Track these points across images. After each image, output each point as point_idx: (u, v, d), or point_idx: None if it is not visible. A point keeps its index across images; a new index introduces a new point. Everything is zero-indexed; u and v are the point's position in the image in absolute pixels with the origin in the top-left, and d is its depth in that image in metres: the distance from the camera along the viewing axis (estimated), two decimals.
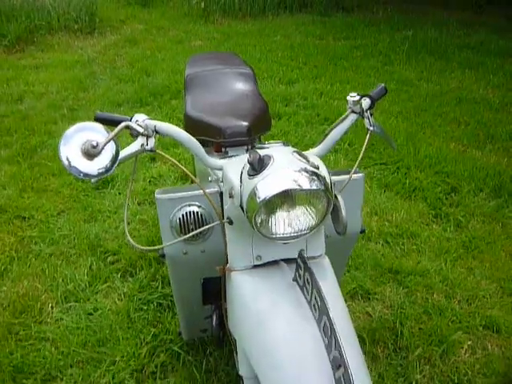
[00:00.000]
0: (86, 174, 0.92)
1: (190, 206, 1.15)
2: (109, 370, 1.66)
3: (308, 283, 0.87)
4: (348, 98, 1.12)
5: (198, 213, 1.15)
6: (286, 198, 0.89)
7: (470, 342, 1.80)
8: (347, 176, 1.23)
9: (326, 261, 1.06)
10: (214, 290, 1.37)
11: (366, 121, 1.11)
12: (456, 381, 1.65)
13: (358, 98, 1.10)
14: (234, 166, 1.02)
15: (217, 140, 1.55)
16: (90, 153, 0.90)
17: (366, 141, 1.07)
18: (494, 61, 4.90)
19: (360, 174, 1.24)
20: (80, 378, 1.64)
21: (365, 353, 1.73)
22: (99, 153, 0.91)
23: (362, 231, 1.30)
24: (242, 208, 0.93)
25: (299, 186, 0.85)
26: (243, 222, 1.00)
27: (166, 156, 1.01)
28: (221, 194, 1.17)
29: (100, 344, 1.75)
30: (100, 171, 0.92)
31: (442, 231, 2.41)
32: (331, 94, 4.08)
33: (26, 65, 4.93)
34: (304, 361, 0.81)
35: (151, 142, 1.00)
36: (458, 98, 4.01)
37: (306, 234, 0.94)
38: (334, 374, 0.77)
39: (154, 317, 1.88)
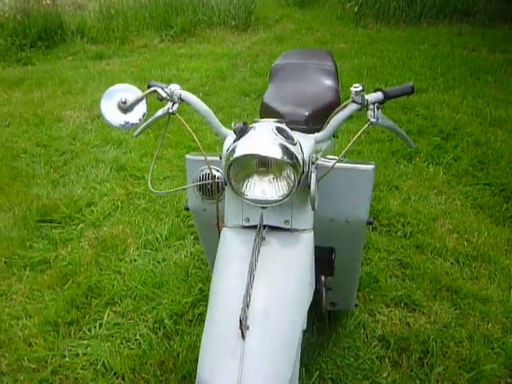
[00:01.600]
0: (112, 124, 1.18)
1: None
2: (156, 308, 1.94)
3: (256, 243, 1.00)
4: (351, 88, 1.17)
5: (215, 176, 1.33)
6: (260, 165, 1.02)
7: (509, 380, 1.65)
8: (357, 165, 1.28)
9: (308, 236, 1.14)
10: None
11: (370, 112, 1.15)
12: None
13: (360, 89, 1.15)
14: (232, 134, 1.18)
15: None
16: (122, 108, 1.15)
17: (361, 130, 1.11)
18: None
19: (371, 166, 1.28)
20: (132, 307, 1.95)
21: (386, 357, 1.72)
22: (129, 109, 1.15)
23: (369, 223, 1.32)
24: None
25: (260, 153, 0.98)
26: None
27: (182, 121, 1.20)
28: None
29: (156, 286, 2.05)
30: (131, 123, 1.17)
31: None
32: (458, 107, 3.84)
33: (182, 53, 5.61)
34: (228, 307, 0.94)
35: (175, 107, 1.20)
36: None
37: (278, 201, 1.05)
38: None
39: (207, 277, 2.11)
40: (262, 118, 1.95)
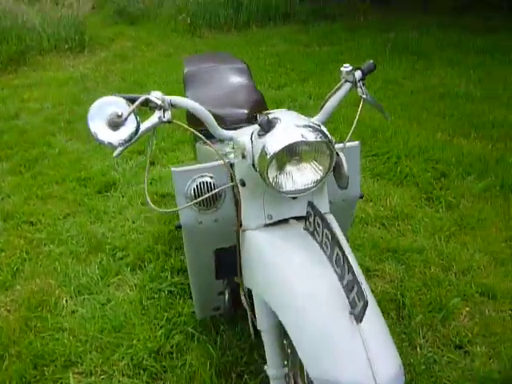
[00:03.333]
0: (111, 144, 1.02)
1: (202, 177, 1.25)
2: (127, 353, 1.72)
3: (318, 226, 0.97)
4: (341, 68, 1.24)
5: (210, 183, 1.25)
6: (293, 154, 1.00)
7: (468, 309, 1.90)
8: (344, 144, 1.34)
9: (331, 218, 1.16)
10: (227, 263, 1.46)
11: (359, 90, 1.22)
12: (457, 343, 1.74)
13: (350, 68, 1.22)
14: (243, 132, 1.13)
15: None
16: (115, 123, 1.00)
17: (360, 108, 1.18)
18: (473, 58, 5.09)
19: (356, 142, 1.35)
20: (100, 361, 1.70)
21: None
22: (124, 122, 1.01)
23: (361, 196, 1.40)
24: (254, 166, 1.03)
25: (305, 138, 0.96)
26: (255, 182, 1.10)
27: (183, 125, 1.10)
28: (231, 165, 1.27)
29: (116, 330, 1.82)
30: (125, 139, 1.02)
31: (434, 212, 2.52)
32: (320, 95, 4.22)
33: (19, 84, 5.02)
34: (319, 297, 0.91)
35: (168, 115, 1.10)
36: (442, 93, 4.17)
37: (313, 187, 1.05)
38: (349, 297, 0.86)
39: (167, 303, 1.95)
40: (194, 125, 1.89)
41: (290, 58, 5.46)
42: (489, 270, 2.09)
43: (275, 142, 0.97)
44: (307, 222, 1.02)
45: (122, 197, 2.78)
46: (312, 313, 0.90)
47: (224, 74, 2.01)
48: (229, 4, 7.35)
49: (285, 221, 1.14)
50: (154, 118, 1.10)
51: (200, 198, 1.19)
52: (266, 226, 1.13)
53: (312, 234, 1.01)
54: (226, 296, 1.57)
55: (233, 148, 1.16)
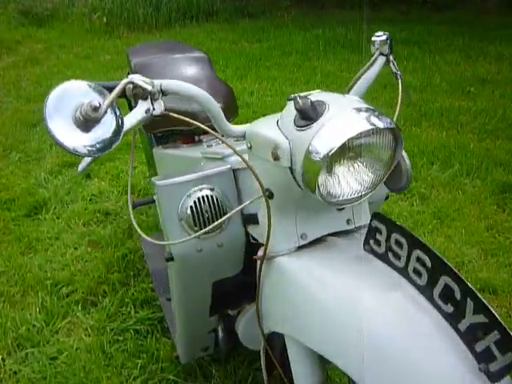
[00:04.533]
0: (77, 152, 0.68)
1: (201, 190, 0.94)
2: None
3: (399, 246, 0.70)
4: (374, 38, 1.00)
5: (212, 197, 0.93)
6: (349, 149, 0.73)
7: None
8: None
9: None
10: (224, 295, 1.16)
11: (392, 65, 0.99)
12: None
13: (385, 37, 0.98)
14: (263, 124, 0.84)
15: (189, 128, 1.35)
16: (89, 119, 0.67)
17: (400, 87, 0.95)
18: (403, 49, 5.14)
19: None
20: None
21: None
22: (102, 117, 0.68)
23: (387, 197, 1.17)
24: (292, 170, 0.75)
25: (374, 125, 0.70)
26: (287, 192, 0.81)
27: (184, 118, 0.78)
28: (234, 171, 0.97)
29: None
30: (102, 145, 0.69)
31: (410, 206, 2.38)
32: (261, 91, 4.00)
33: None
34: (421, 342, 0.64)
35: (159, 106, 0.77)
36: (383, 83, 4.11)
37: (368, 193, 0.79)
38: (473, 346, 0.60)
39: (136, 346, 1.59)
40: (154, 126, 1.56)
41: (222, 55, 5.17)
42: (481, 263, 1.97)
43: (331, 134, 0.69)
44: (372, 241, 0.76)
45: (57, 218, 2.34)
46: (417, 368, 0.62)
47: (182, 64, 1.70)
48: (147, 2, 6.91)
49: (319, 240, 0.87)
50: (139, 112, 0.77)
51: (211, 226, 0.86)
52: (299, 248, 0.85)
53: (382, 256, 0.74)
54: (220, 334, 1.27)
55: (250, 147, 0.86)
